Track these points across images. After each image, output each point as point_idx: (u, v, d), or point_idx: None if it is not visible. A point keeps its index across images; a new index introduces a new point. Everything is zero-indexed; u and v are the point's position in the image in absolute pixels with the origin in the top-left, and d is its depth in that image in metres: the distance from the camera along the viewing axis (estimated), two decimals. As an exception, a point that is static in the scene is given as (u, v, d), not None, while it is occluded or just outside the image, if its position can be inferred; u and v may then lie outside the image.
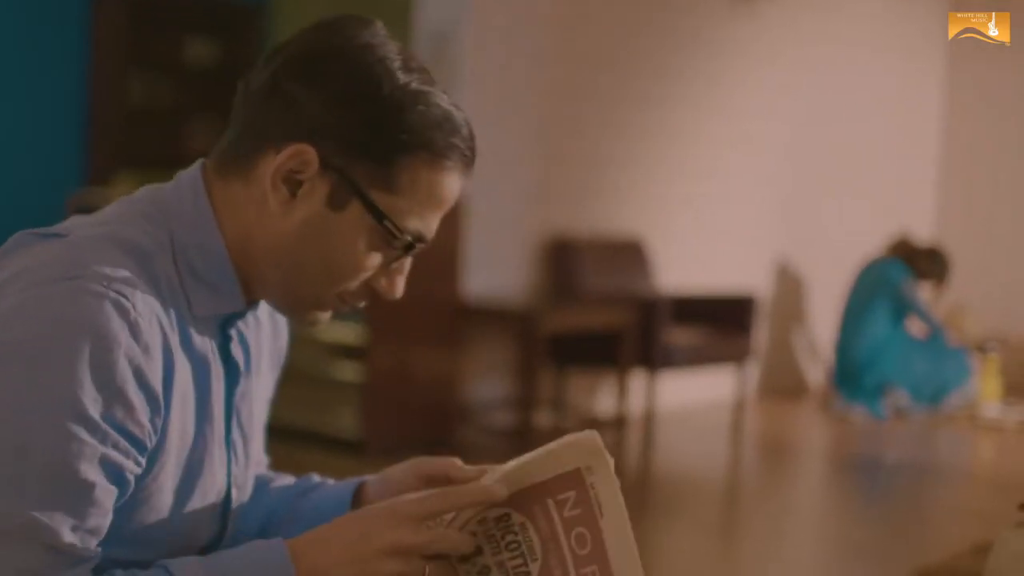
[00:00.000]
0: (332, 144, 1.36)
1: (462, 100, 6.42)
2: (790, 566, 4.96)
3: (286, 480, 1.72)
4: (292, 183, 1.37)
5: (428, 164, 1.37)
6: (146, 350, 1.28)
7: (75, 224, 1.38)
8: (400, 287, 1.45)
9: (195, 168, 1.43)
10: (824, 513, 5.94)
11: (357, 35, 1.38)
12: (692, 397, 7.84)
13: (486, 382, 6.69)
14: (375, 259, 1.40)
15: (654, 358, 6.73)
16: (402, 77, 1.37)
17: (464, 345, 6.45)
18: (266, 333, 1.59)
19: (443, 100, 1.39)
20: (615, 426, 6.78)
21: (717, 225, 8.14)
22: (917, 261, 8.10)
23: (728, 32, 8.04)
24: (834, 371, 8.22)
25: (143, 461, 1.30)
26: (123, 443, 1.26)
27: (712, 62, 7.96)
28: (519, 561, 1.33)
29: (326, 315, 1.47)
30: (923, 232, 9.67)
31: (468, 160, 1.41)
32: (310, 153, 1.35)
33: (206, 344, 1.41)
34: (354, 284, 1.42)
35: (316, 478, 1.70)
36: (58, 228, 1.38)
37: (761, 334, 8.14)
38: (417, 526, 1.30)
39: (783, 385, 8.77)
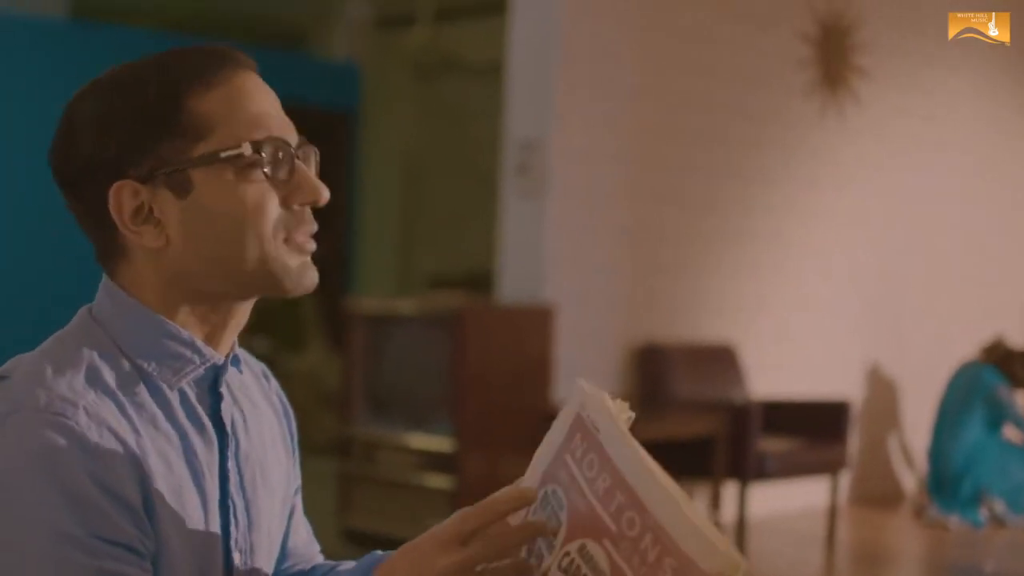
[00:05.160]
0: (130, 161, 1.35)
1: (551, 208, 6.47)
2: None
3: (348, 564, 1.70)
4: (143, 218, 1.37)
5: (201, 90, 1.37)
6: (102, 458, 1.26)
7: (16, 363, 1.37)
8: (316, 185, 1.40)
9: (104, 280, 1.44)
10: (922, 624, 5.82)
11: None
12: (785, 505, 7.73)
13: (576, 490, 6.63)
14: (260, 190, 1.37)
15: (746, 468, 6.62)
16: (118, 68, 1.39)
17: (553, 452, 6.41)
18: (266, 414, 1.57)
19: (159, 53, 1.40)
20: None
21: (808, 330, 8.08)
22: (1012, 365, 7.96)
23: (817, 139, 8.04)
24: (929, 478, 8.07)
25: (147, 565, 1.29)
26: (115, 551, 1.25)
27: (800, 168, 7.96)
28: (553, 521, 1.33)
29: (299, 259, 1.41)
30: (1018, 335, 9.52)
31: (224, 56, 1.39)
32: (124, 186, 1.36)
33: (188, 418, 1.40)
34: (280, 224, 1.38)
35: (379, 553, 1.65)
36: (1, 370, 1.37)
37: (854, 440, 8.03)
38: (463, 544, 1.32)
39: (877, 492, 8.63)
